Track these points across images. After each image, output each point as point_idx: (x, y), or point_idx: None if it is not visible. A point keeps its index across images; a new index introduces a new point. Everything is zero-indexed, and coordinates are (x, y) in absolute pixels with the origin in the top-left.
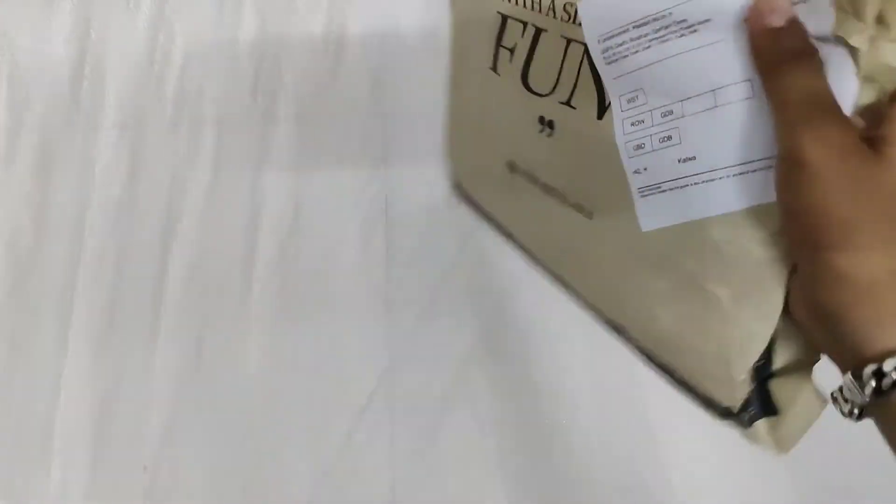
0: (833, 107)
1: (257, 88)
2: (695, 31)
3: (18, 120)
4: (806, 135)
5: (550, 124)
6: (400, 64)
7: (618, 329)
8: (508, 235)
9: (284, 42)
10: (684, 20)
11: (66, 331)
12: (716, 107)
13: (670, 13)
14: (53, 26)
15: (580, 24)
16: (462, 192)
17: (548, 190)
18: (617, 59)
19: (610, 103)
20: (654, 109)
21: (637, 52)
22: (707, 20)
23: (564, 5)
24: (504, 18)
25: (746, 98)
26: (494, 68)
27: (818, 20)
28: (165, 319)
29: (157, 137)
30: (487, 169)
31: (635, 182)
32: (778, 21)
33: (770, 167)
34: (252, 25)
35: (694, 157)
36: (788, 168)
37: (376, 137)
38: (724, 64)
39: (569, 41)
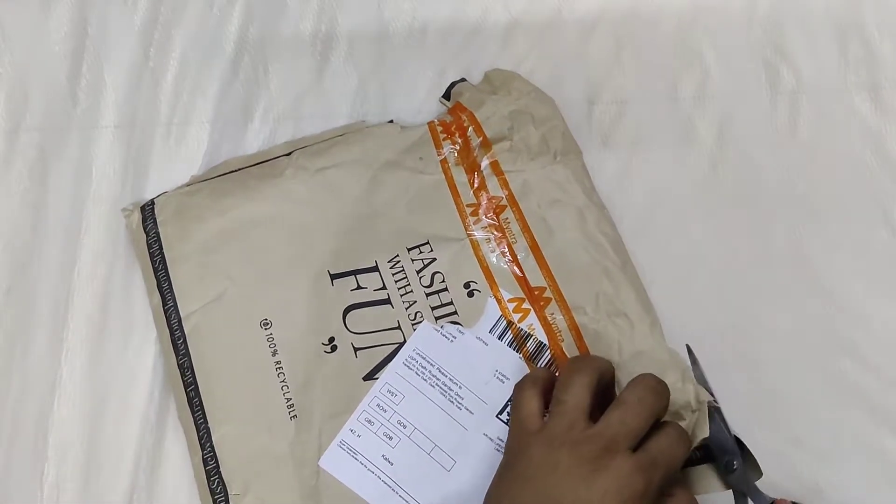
0: None
1: (246, 89)
2: None
3: (16, 118)
4: None
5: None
6: (387, 65)
7: None
8: None
9: (273, 42)
10: None
11: (61, 330)
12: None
13: None
14: (51, 24)
15: None
16: None
17: None
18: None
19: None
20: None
21: None
22: None
23: None
24: None
25: None
26: None
27: None
28: None
29: (154, 136)
30: None
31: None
32: None
33: None
34: (244, 25)
35: (392, 463)
36: None
37: None
38: None
39: None
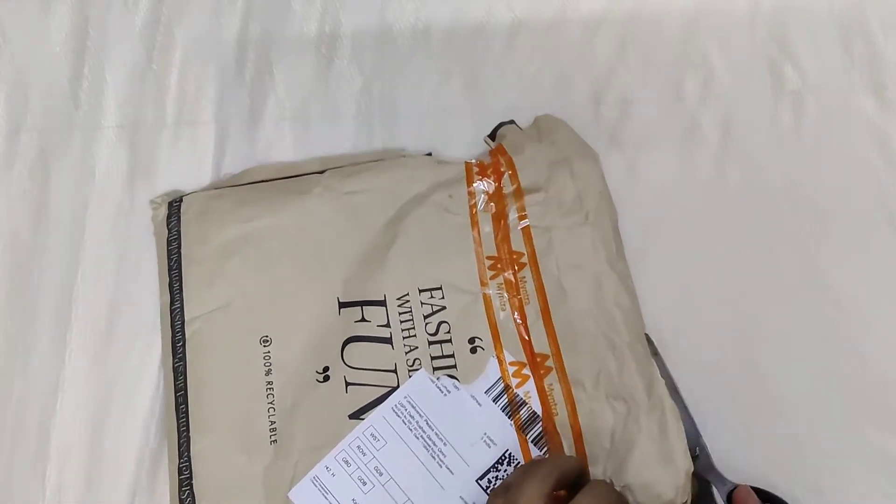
0: None
1: (251, 90)
2: None
3: (17, 119)
4: None
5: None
6: (391, 66)
7: None
8: None
9: (277, 43)
10: None
11: (64, 332)
12: None
13: None
14: (52, 25)
15: None
16: None
17: None
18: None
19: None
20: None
21: None
22: None
23: None
24: None
25: None
26: None
27: None
28: None
29: (157, 137)
30: None
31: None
32: None
33: None
34: (247, 26)
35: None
36: None
37: (368, 139)
38: None
39: None
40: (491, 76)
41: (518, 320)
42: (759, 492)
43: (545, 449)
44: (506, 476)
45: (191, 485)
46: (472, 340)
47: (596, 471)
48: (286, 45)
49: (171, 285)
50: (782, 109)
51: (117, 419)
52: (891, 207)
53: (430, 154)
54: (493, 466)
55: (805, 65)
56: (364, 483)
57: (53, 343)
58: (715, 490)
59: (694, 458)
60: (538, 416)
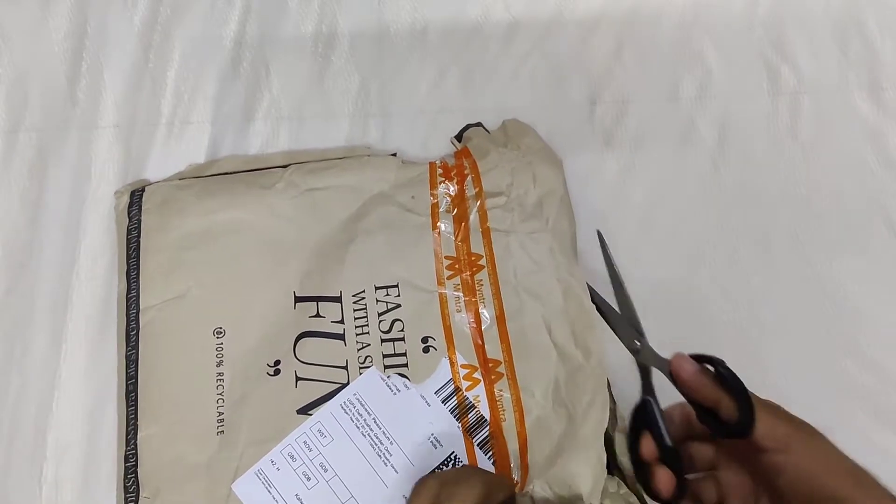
0: None
1: (247, 89)
2: None
3: (15, 118)
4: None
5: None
6: (388, 65)
7: None
8: None
9: (274, 42)
10: None
11: (61, 329)
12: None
13: None
14: (51, 25)
15: None
16: None
17: None
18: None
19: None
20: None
21: None
22: None
23: None
24: None
25: None
26: None
27: None
28: None
29: (154, 136)
30: None
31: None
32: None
33: None
34: (245, 25)
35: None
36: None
37: (362, 138)
38: None
39: None
40: (487, 76)
41: (473, 324)
42: (696, 357)
43: (490, 453)
44: None
45: (136, 473)
46: (425, 340)
47: (536, 475)
48: (283, 45)
49: (128, 273)
50: (779, 110)
51: (113, 416)
52: (886, 206)
53: (394, 154)
54: (438, 467)
55: (802, 66)
56: (308, 478)
57: (49, 341)
58: (658, 373)
59: (636, 351)
60: (486, 420)
